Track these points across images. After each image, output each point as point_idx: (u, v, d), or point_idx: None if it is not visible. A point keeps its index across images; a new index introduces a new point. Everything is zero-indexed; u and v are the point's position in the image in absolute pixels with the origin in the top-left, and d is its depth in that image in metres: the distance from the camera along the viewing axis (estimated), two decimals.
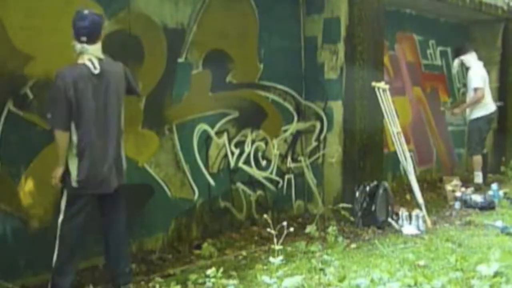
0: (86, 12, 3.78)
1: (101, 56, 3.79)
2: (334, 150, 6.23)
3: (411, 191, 6.45)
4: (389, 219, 5.87)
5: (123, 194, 3.97)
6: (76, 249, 3.80)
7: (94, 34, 3.75)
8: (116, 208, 3.97)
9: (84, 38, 3.70)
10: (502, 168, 8.78)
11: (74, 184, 3.71)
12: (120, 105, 3.90)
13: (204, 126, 5.40)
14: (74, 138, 3.68)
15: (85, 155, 3.69)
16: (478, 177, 7.89)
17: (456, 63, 8.23)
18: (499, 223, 5.64)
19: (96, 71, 3.71)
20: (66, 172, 3.72)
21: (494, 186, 7.10)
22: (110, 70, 3.82)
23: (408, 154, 6.34)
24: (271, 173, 6.10)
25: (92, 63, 3.71)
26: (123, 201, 3.99)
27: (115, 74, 3.86)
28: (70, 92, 3.60)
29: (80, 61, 3.73)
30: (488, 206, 6.63)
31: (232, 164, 5.69)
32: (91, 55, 3.73)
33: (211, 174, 5.48)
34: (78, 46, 3.72)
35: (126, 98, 4.65)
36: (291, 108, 6.30)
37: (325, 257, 4.30)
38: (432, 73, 8.87)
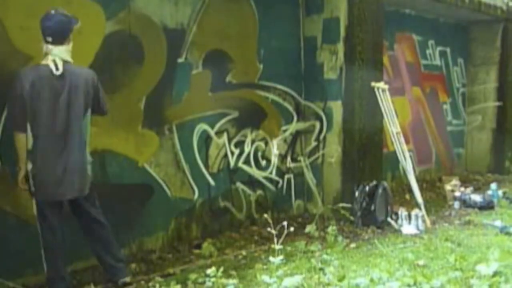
0: (53, 12, 3.70)
1: (69, 58, 3.70)
2: (333, 150, 6.25)
3: (410, 191, 6.46)
4: (389, 219, 5.88)
5: (93, 198, 3.92)
6: (58, 254, 3.77)
7: (60, 34, 3.67)
8: (93, 213, 3.91)
9: (49, 38, 3.64)
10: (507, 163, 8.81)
11: (32, 188, 3.68)
12: (85, 109, 3.76)
13: (204, 126, 5.41)
14: (29, 140, 3.62)
15: (39, 159, 3.63)
16: None
17: None
18: (498, 223, 5.65)
19: (58, 72, 3.62)
20: (27, 177, 3.68)
21: (493, 185, 7.11)
22: (75, 73, 3.72)
23: (407, 154, 6.35)
24: (271, 173, 6.11)
25: (55, 65, 3.62)
26: (93, 206, 3.92)
27: (81, 78, 3.73)
28: (25, 93, 3.54)
29: (43, 62, 3.67)
30: (487, 206, 6.65)
31: (232, 164, 5.71)
32: (56, 56, 3.64)
33: (211, 174, 5.49)
34: (45, 47, 3.66)
35: (123, 99, 4.68)
36: (290, 108, 6.31)
37: (325, 256, 4.30)
38: (431, 73, 8.89)
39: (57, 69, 3.63)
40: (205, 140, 5.44)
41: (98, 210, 3.95)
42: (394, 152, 6.38)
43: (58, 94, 3.64)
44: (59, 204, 3.80)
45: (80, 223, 3.95)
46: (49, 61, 3.64)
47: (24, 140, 3.63)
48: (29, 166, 3.66)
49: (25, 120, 3.60)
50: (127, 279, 3.98)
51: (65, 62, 3.68)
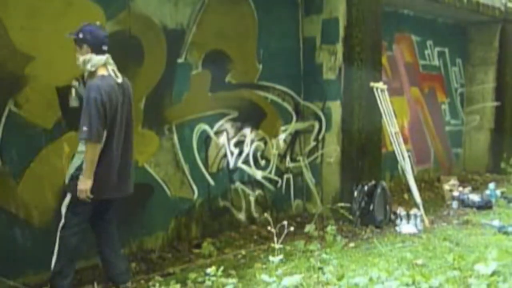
0: (98, 23, 3.78)
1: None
2: (332, 150, 6.27)
3: (409, 190, 6.48)
4: (387, 219, 5.90)
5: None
6: (76, 253, 3.79)
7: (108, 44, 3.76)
8: (111, 214, 3.96)
9: (105, 47, 3.68)
10: (503, 165, 8.83)
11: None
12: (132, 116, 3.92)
13: (203, 126, 5.43)
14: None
15: (105, 163, 3.65)
16: None
17: None
18: (496, 222, 5.67)
19: (119, 81, 3.71)
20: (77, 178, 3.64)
21: (491, 185, 7.14)
22: (126, 82, 3.84)
23: (406, 154, 6.37)
24: (270, 172, 6.13)
25: (115, 73, 3.70)
26: (114, 206, 3.98)
27: (129, 86, 3.88)
28: (106, 104, 3.55)
29: (103, 72, 3.66)
30: (485, 206, 6.67)
31: (231, 163, 5.72)
32: (113, 66, 3.72)
33: (210, 174, 5.51)
34: (101, 57, 3.64)
35: None
36: (289, 108, 6.33)
37: (324, 256, 4.32)
38: (429, 73, 8.90)
39: (117, 76, 3.70)
40: (205, 140, 5.46)
41: (115, 211, 3.99)
42: (393, 152, 6.40)
43: (121, 103, 3.72)
44: (93, 205, 3.80)
45: (97, 222, 3.93)
46: (110, 71, 3.68)
47: (99, 151, 3.60)
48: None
49: (103, 131, 3.60)
50: (129, 285, 3.97)
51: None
